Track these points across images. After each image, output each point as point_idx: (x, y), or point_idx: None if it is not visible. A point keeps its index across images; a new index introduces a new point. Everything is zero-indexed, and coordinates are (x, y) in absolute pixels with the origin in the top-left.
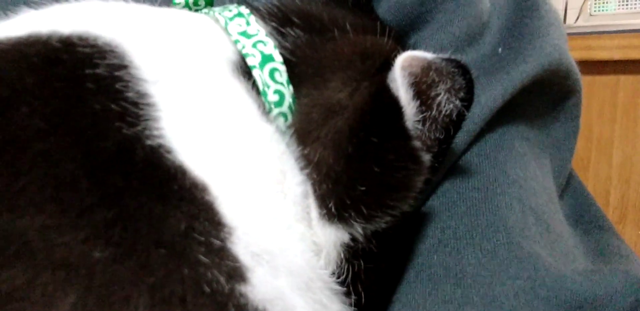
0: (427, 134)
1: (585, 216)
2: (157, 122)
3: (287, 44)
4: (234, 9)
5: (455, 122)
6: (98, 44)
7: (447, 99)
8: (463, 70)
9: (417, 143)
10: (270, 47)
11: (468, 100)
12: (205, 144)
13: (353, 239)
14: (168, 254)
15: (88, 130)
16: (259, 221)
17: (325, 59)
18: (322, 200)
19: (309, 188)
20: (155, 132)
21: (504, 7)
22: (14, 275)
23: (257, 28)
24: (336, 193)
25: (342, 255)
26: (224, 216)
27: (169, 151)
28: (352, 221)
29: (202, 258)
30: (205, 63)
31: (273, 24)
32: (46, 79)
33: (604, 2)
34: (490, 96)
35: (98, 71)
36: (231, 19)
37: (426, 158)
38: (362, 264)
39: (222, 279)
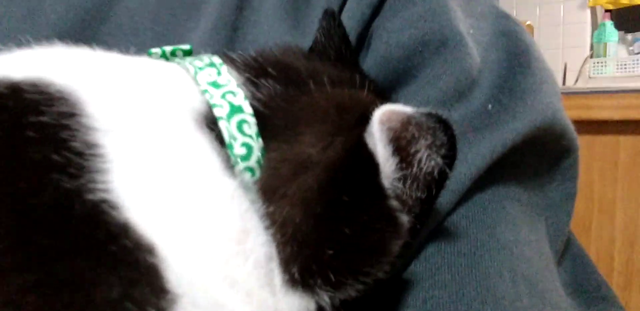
0: (407, 194)
1: (585, 285)
2: (104, 174)
3: (260, 96)
4: (205, 58)
5: (437, 181)
6: (49, 91)
7: (428, 155)
8: (445, 125)
9: (395, 203)
10: (240, 98)
11: (450, 157)
12: (157, 200)
13: (320, 308)
14: None
15: (23, 183)
16: (211, 288)
17: (299, 112)
18: (286, 264)
19: (273, 250)
20: (100, 186)
21: (495, 63)
22: None
23: (228, 78)
24: (301, 257)
25: None
26: (169, 282)
27: (113, 207)
28: (317, 289)
29: None
30: (166, 114)
31: (247, 74)
32: None
33: (602, 66)
34: (477, 153)
35: (43, 118)
36: (201, 68)
37: (405, 219)
38: None
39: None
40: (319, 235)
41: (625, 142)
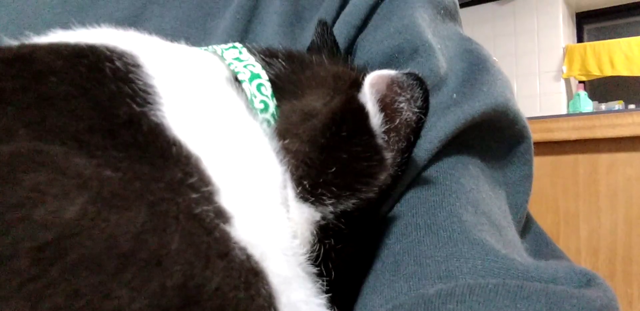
0: (390, 143)
1: (544, 250)
2: (159, 106)
3: (271, 71)
4: (229, 44)
5: (414, 129)
6: (116, 50)
7: (408, 108)
8: (420, 82)
9: (381, 141)
10: (259, 68)
11: (425, 108)
12: (199, 128)
13: (324, 218)
14: (166, 188)
15: (106, 101)
16: (241, 184)
17: (304, 80)
18: (299, 181)
19: (287, 177)
20: (158, 113)
21: (459, 70)
22: (38, 176)
23: (248, 56)
24: (310, 174)
25: (315, 234)
26: (211, 177)
27: (166, 128)
28: (323, 198)
29: (194, 195)
30: (204, 72)
31: (261, 55)
32: (72, 64)
33: None
34: (445, 122)
35: (115, 64)
36: (226, 49)
37: (388, 155)
38: (333, 243)
39: (210, 214)
40: (324, 159)
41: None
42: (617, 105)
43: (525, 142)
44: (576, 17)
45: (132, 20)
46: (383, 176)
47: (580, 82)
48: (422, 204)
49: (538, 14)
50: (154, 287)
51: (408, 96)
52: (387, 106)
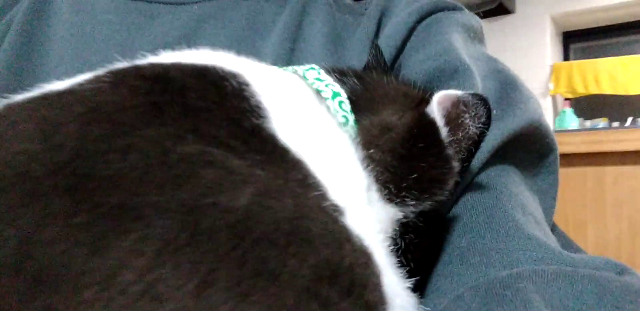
0: (454, 153)
1: (569, 249)
2: (268, 120)
3: (346, 88)
4: (306, 65)
5: (476, 142)
6: (226, 70)
7: (472, 124)
8: (484, 102)
9: (451, 152)
10: (338, 87)
11: (487, 124)
12: (300, 138)
13: (406, 216)
14: (298, 185)
15: (233, 114)
16: (338, 186)
17: (377, 97)
18: (384, 185)
19: (371, 180)
20: (269, 126)
21: (492, 89)
22: (212, 172)
23: (326, 76)
24: (395, 180)
25: (397, 230)
26: (319, 179)
27: (279, 139)
28: (407, 200)
29: (316, 193)
30: (295, 89)
31: (335, 75)
32: (202, 82)
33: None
34: (493, 135)
35: (231, 83)
36: (307, 70)
37: (456, 164)
38: (412, 237)
39: (331, 207)
40: (405, 167)
41: (592, 172)
42: (602, 122)
43: (552, 153)
44: (563, 36)
45: (187, 39)
46: (452, 182)
47: (566, 99)
48: (479, 205)
49: (526, 32)
50: (312, 260)
51: (472, 114)
52: (451, 121)
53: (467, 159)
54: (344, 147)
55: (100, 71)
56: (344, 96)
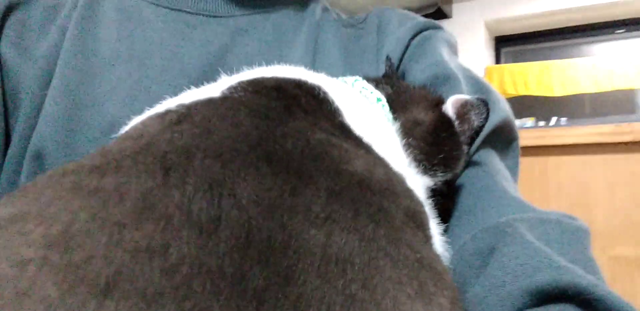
0: (464, 140)
1: None
2: (344, 118)
3: (384, 93)
4: (352, 77)
5: (477, 132)
6: (309, 82)
7: (476, 119)
8: (485, 104)
9: (462, 138)
10: (379, 93)
11: (486, 119)
12: (365, 131)
13: (435, 184)
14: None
15: (327, 113)
16: (394, 164)
17: (406, 100)
18: (420, 162)
19: (410, 159)
20: (346, 122)
21: (472, 90)
22: (345, 154)
23: (369, 86)
24: (427, 159)
25: (427, 194)
26: (382, 155)
27: (349, 129)
28: (437, 172)
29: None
30: (354, 95)
31: (374, 83)
32: (302, 91)
33: None
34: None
35: (319, 92)
36: (355, 81)
37: (465, 147)
38: (439, 199)
39: (394, 167)
40: (434, 150)
41: (537, 162)
42: (529, 121)
43: (516, 140)
44: (495, 41)
45: (225, 48)
46: (464, 160)
47: None
48: (477, 177)
49: (462, 36)
50: (402, 204)
51: (477, 112)
52: (460, 116)
53: (470, 144)
54: (392, 136)
55: (228, 82)
56: (384, 100)
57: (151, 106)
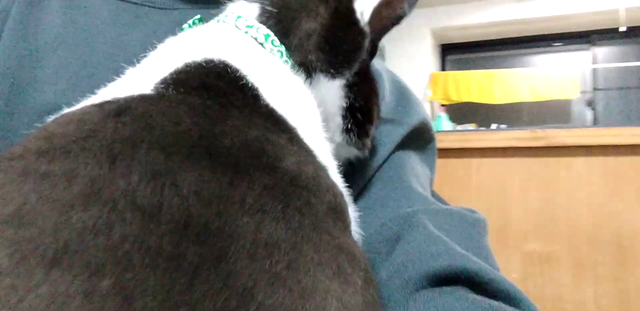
0: (372, 27)
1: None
2: (267, 102)
3: (269, 17)
4: (233, 14)
5: (392, 24)
6: (225, 70)
7: (403, 8)
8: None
9: (362, 26)
10: (264, 28)
11: (400, 17)
12: (289, 109)
13: (347, 79)
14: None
15: (254, 109)
16: (307, 124)
17: (294, 13)
18: (327, 71)
19: (319, 76)
20: (270, 106)
21: (393, 92)
22: (281, 144)
23: (252, 20)
24: (331, 65)
25: (343, 93)
26: (289, 122)
27: (267, 103)
28: (344, 71)
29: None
30: (249, 43)
31: (256, 9)
32: (226, 84)
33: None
34: (396, 131)
35: (238, 80)
36: (236, 20)
37: (366, 29)
38: (353, 97)
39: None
40: (333, 54)
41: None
42: (470, 127)
43: (433, 141)
44: (441, 48)
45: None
46: (366, 42)
47: (442, 105)
48: (390, 173)
49: (410, 42)
50: (325, 199)
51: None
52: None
53: (383, 33)
54: (307, 100)
55: (152, 74)
56: (272, 34)
57: (93, 93)
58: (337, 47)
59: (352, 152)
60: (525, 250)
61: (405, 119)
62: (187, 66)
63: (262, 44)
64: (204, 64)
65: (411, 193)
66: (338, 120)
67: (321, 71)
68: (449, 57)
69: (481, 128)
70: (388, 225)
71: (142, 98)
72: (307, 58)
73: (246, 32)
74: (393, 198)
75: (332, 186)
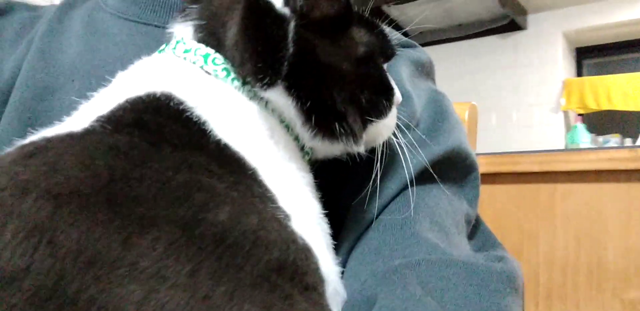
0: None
1: (487, 244)
2: (216, 136)
3: (201, 32)
4: (172, 42)
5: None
6: (166, 103)
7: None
8: None
9: (283, 12)
10: (203, 47)
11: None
12: (244, 142)
13: (287, 81)
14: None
15: (197, 145)
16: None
17: (219, 24)
18: (256, 77)
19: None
20: (220, 140)
21: (427, 116)
22: (203, 195)
23: (189, 41)
24: (255, 59)
25: (292, 97)
26: (266, 182)
27: (208, 130)
28: (273, 75)
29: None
30: (197, 80)
31: (190, 27)
32: (164, 118)
33: None
34: (417, 160)
35: (181, 114)
36: (174, 48)
37: (292, 25)
38: (304, 96)
39: (278, 205)
40: (260, 60)
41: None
42: (613, 138)
43: (474, 171)
44: (576, 52)
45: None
46: (290, 27)
47: (578, 114)
48: (389, 218)
49: (538, 48)
50: (266, 258)
51: None
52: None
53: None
54: (255, 113)
55: (90, 112)
56: (211, 52)
57: None
58: (257, 43)
59: (340, 148)
60: (626, 298)
61: (428, 148)
62: (127, 101)
63: (202, 68)
64: (144, 99)
65: (411, 240)
66: (302, 128)
67: (255, 82)
68: (586, 62)
69: (627, 140)
70: (368, 283)
71: (65, 137)
72: (243, 68)
73: (184, 59)
74: (389, 246)
75: (285, 240)
